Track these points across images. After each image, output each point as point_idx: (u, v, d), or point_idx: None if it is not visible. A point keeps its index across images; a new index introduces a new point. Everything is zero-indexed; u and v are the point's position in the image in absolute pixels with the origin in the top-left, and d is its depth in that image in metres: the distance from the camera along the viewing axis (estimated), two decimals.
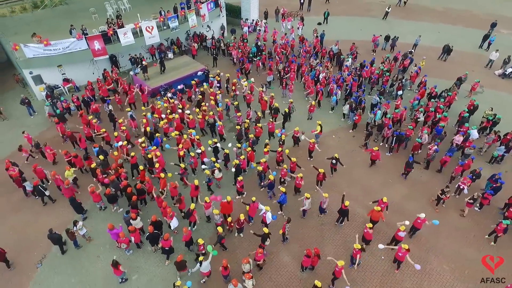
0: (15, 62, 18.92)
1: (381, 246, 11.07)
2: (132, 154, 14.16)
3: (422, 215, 11.62)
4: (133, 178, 14.47)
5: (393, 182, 14.66)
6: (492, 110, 17.10)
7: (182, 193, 13.00)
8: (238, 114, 16.58)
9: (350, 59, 21.77)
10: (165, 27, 21.64)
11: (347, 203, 12.10)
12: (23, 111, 18.33)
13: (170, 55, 23.21)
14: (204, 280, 11.01)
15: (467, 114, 17.21)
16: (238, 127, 16.03)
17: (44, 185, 13.27)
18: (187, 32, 24.16)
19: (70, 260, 11.75)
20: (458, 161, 14.25)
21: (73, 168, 13.78)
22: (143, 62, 20.54)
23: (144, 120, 15.88)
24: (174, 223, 11.97)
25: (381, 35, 24.91)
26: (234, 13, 29.34)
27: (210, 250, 10.71)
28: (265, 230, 11.10)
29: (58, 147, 15.61)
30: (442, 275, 11.35)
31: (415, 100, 17.96)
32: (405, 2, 33.88)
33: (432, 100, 18.41)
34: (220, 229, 11.40)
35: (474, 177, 13.64)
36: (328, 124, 17.80)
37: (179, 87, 19.30)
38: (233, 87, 18.70)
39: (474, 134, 15.66)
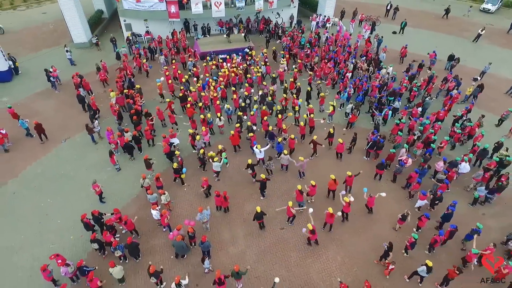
0: None
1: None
2: (181, 87, 18.90)
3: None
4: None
5: None
6: (507, 151, 15.16)
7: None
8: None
9: (391, 67, 21.30)
10: (232, 5, 25.10)
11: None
12: (112, 47, 24.57)
13: (236, 31, 26.71)
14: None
15: (487, 145, 15.68)
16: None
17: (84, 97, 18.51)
18: (256, 14, 27.18)
19: (80, 146, 16.72)
20: (417, 179, 13.64)
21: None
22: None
23: (195, 69, 20.43)
24: (176, 140, 15.65)
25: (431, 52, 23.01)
26: (311, 6, 30.83)
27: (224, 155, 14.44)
28: (249, 161, 13.95)
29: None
30: (330, 262, 11.89)
31: (427, 119, 17.09)
32: None
33: (457, 124, 17.19)
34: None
35: (432, 196, 13.35)
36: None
37: (222, 56, 22.79)
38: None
39: (465, 167, 14.46)
